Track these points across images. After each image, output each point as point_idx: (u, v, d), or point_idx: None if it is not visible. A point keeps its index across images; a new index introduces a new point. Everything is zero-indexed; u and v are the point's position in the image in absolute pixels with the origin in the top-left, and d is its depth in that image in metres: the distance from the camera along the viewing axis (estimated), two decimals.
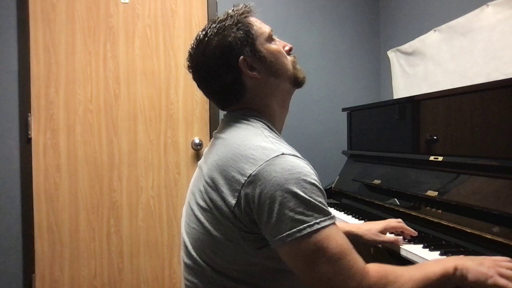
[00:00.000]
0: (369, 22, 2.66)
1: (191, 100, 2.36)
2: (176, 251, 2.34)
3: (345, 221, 1.55)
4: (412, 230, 1.20)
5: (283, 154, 0.78)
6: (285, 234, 0.73)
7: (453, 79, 1.92)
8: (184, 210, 0.96)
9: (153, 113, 2.31)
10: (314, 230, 0.72)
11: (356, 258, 0.74)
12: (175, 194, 2.34)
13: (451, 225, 1.19)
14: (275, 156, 0.77)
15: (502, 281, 0.78)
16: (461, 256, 0.87)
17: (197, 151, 2.36)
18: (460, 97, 1.36)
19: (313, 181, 0.76)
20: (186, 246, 0.91)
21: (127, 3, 2.27)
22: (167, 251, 2.33)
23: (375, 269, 0.75)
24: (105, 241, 2.25)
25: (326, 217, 0.74)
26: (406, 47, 2.30)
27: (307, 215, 0.73)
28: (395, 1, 2.50)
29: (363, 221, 1.52)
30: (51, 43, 2.19)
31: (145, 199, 2.30)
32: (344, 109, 2.15)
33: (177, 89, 2.35)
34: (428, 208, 1.31)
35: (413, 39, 2.23)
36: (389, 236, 1.19)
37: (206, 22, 2.34)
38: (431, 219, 1.27)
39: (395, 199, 1.50)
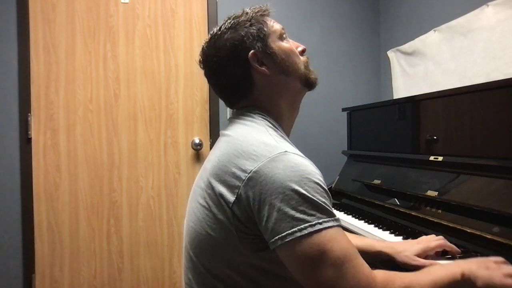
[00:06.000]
0: (369, 22, 2.66)
1: (191, 100, 2.36)
2: (176, 251, 2.34)
3: (350, 223, 1.54)
4: (455, 247, 1.03)
5: (286, 152, 0.75)
6: (284, 233, 0.69)
7: (453, 79, 1.92)
8: (187, 210, 0.95)
9: (153, 113, 2.31)
10: (316, 230, 0.69)
11: (362, 263, 0.71)
12: (175, 194, 2.34)
13: (451, 225, 1.18)
14: (278, 153, 0.74)
15: (511, 281, 0.76)
16: (464, 261, 0.85)
17: (197, 151, 2.36)
18: (460, 97, 1.35)
19: (317, 180, 0.73)
20: (186, 247, 0.88)
21: (127, 3, 2.27)
22: (167, 251, 2.33)
23: (381, 274, 0.72)
24: (105, 241, 2.25)
25: (329, 218, 0.71)
26: (406, 47, 2.30)
27: (309, 214, 0.69)
28: (395, 1, 2.50)
29: (392, 234, 1.30)
30: (51, 43, 2.19)
31: (145, 199, 2.30)
32: (344, 109, 2.15)
33: (177, 89, 2.35)
34: (428, 208, 1.31)
35: (413, 39, 2.23)
36: (425, 262, 0.96)
37: (206, 22, 2.36)
38: (431, 219, 1.27)
39: (395, 199, 1.50)
